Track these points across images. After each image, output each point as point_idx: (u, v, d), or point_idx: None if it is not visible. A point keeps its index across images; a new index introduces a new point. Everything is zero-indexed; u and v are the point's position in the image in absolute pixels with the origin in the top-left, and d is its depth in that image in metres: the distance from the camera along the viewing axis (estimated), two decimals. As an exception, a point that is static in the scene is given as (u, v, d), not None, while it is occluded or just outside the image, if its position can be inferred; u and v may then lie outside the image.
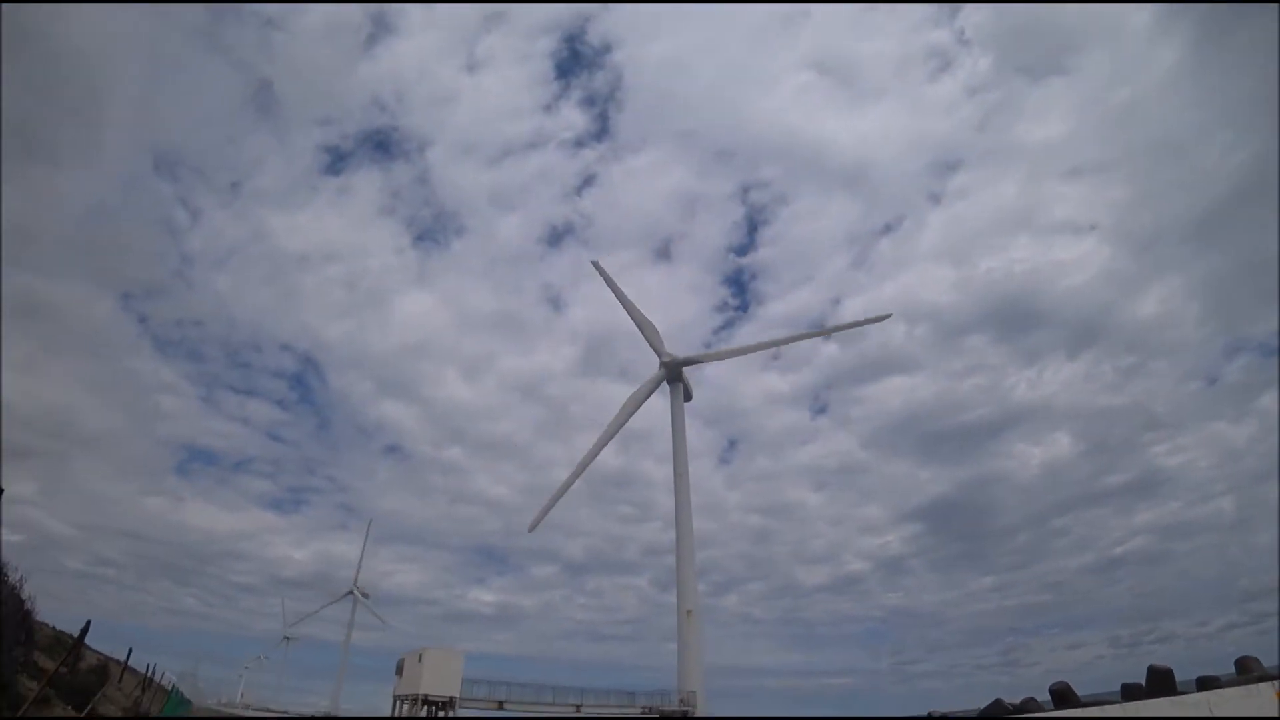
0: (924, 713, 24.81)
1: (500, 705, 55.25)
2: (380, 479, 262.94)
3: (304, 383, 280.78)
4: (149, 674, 27.44)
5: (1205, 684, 17.63)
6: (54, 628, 19.94)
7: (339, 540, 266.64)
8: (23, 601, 15.90)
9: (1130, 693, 20.56)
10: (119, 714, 21.95)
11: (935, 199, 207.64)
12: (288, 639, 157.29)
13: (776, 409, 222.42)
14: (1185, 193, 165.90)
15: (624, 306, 71.59)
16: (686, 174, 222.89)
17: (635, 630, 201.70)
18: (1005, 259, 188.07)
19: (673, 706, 56.71)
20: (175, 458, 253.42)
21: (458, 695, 53.94)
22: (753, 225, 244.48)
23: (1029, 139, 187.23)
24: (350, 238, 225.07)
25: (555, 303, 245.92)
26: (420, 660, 54.37)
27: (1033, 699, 28.12)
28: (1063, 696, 22.48)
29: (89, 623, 14.87)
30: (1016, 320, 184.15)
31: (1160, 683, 20.11)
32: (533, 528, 66.30)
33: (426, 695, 53.21)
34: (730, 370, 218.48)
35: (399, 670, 59.22)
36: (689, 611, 57.28)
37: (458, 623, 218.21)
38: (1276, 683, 9.71)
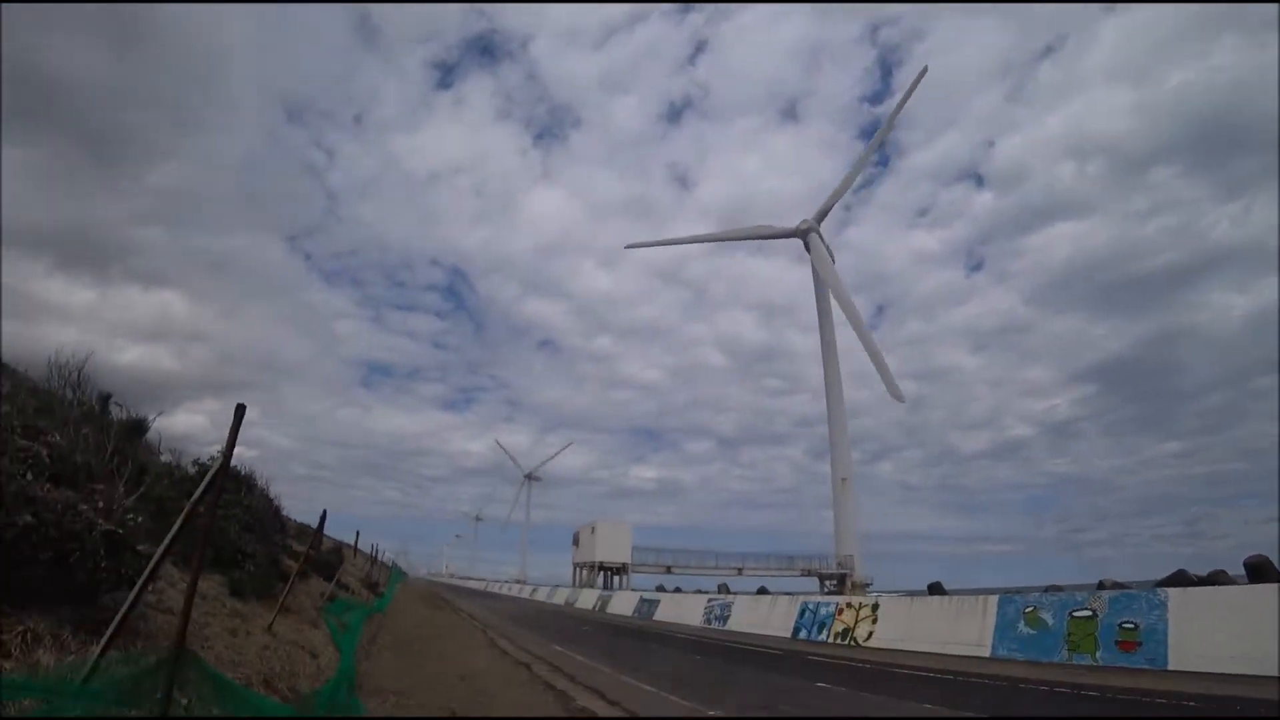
0: (1094, 581, 23.15)
1: (668, 569, 58.59)
2: (537, 372, 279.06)
3: (456, 292, 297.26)
4: (374, 552, 31.03)
5: None
6: (296, 521, 22.44)
7: (508, 431, 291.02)
8: (272, 500, 17.75)
9: None
10: (356, 582, 24.83)
11: (1108, 5, 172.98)
12: (478, 519, 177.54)
13: (927, 269, 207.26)
14: None
15: (720, 240, 69.26)
16: (805, 22, 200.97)
17: (791, 499, 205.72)
18: (1203, 68, 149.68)
19: (830, 569, 57.81)
20: (358, 374, 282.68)
21: (629, 561, 57.81)
22: (886, 69, 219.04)
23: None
24: (472, 147, 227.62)
25: (683, 181, 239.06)
26: (593, 533, 58.37)
27: (1223, 571, 25.46)
28: (1260, 571, 19.85)
29: (325, 512, 16.54)
30: (1217, 145, 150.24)
31: None
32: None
33: (601, 562, 57.44)
34: (875, 232, 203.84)
35: (575, 542, 64.11)
36: (843, 479, 57.07)
37: (622, 499, 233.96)
38: None
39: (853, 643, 17.93)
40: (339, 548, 28.10)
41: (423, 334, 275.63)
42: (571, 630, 23.94)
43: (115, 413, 12.42)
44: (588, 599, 42.87)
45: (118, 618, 3.69)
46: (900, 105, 63.54)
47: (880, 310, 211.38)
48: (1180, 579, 19.70)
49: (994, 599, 15.27)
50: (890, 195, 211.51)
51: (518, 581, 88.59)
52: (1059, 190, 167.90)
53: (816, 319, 62.25)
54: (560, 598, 49.40)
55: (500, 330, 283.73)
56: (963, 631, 15.22)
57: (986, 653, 14.23)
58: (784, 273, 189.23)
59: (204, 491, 3.99)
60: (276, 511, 18.68)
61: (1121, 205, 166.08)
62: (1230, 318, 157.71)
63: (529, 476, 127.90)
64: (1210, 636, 11.00)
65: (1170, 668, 11.04)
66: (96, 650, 3.58)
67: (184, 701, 4.06)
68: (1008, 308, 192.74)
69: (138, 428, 12.80)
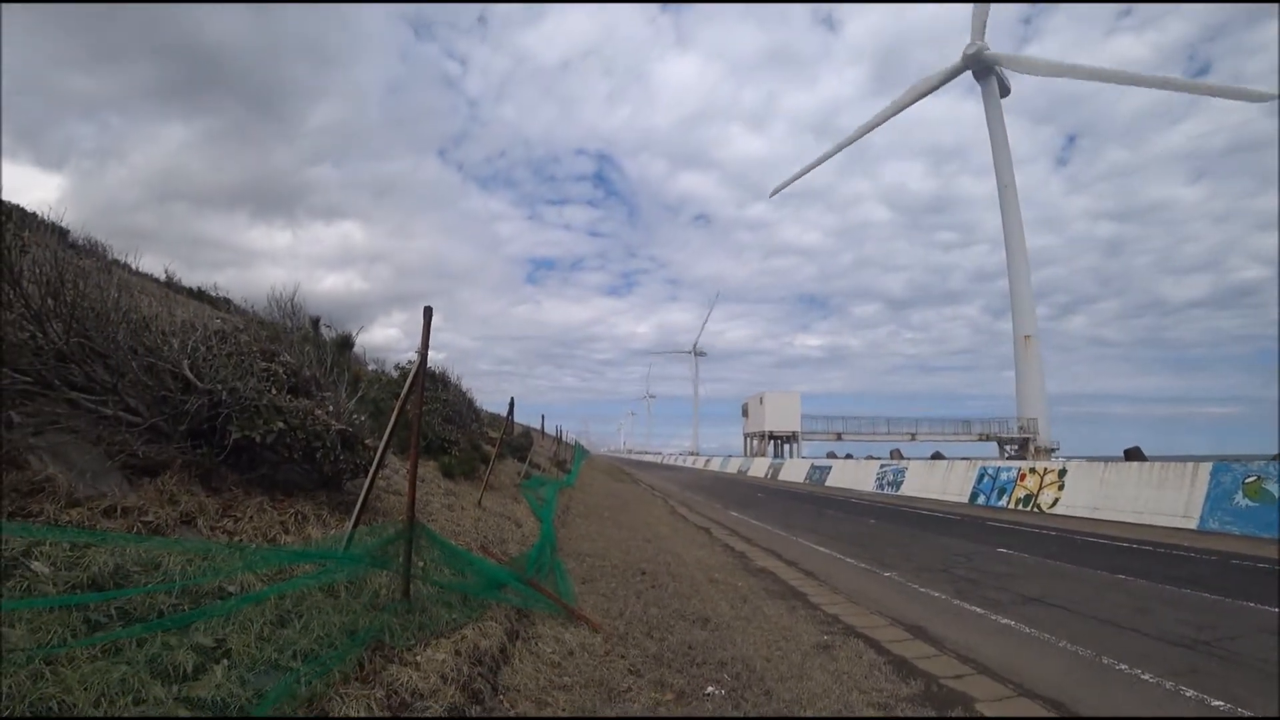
0: None
1: (838, 437, 58.69)
2: (694, 248, 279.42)
3: (605, 179, 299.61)
4: (559, 434, 33.88)
5: None
6: (488, 411, 24.87)
7: (672, 310, 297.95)
8: (465, 394, 19.77)
9: None
10: (546, 461, 27.36)
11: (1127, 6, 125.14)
12: (651, 396, 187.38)
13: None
14: None
15: (869, 131, 61.26)
16: None
17: (969, 360, 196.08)
18: None
19: (1011, 434, 54.89)
20: (523, 271, 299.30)
21: (799, 430, 58.49)
22: None
23: None
24: (599, 26, 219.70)
25: (828, 22, 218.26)
26: (761, 403, 59.33)
27: None
28: None
29: (512, 399, 18.14)
30: None
31: None
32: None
33: (771, 431, 58.61)
34: (1064, 44, 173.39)
35: (744, 413, 65.60)
36: (1026, 337, 52.75)
37: (789, 368, 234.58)
38: None
39: (1036, 509, 17.28)
40: (528, 432, 30.94)
41: (578, 224, 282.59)
42: (746, 497, 25.02)
43: (326, 332, 14.24)
44: (759, 468, 44.26)
45: (360, 500, 4.48)
46: None
47: (1071, 140, 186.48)
48: None
49: (1206, 466, 13.88)
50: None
51: (691, 454, 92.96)
52: None
53: (992, 159, 55.97)
54: (733, 467, 51.38)
55: (653, 210, 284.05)
56: (1166, 501, 14.11)
57: (1194, 525, 13.16)
58: (953, 108, 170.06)
59: (409, 390, 4.59)
60: (470, 404, 20.85)
61: None
62: None
63: (695, 351, 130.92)
64: None
65: None
66: (350, 526, 4.39)
67: (420, 563, 4.88)
68: (1241, 120, 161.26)
69: (346, 342, 14.61)
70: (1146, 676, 4.92)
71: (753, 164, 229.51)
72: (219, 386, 4.93)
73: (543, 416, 38.23)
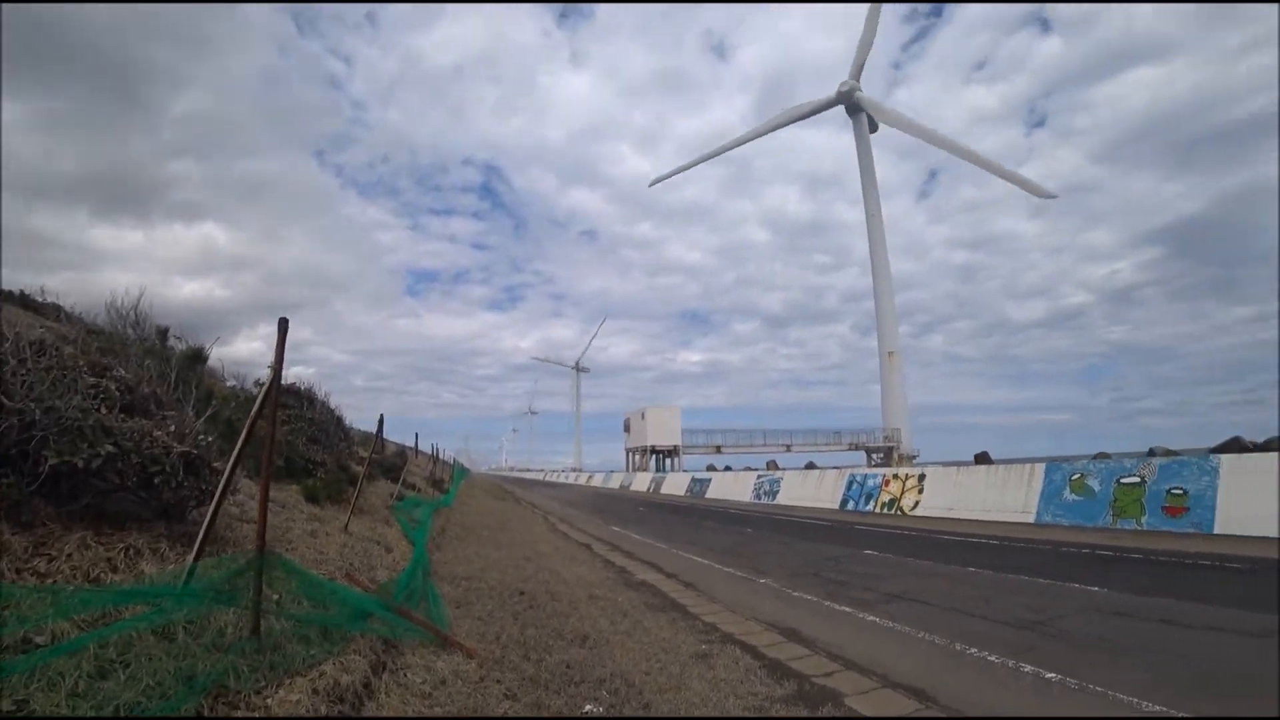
0: (1145, 449, 23.09)
1: (718, 449, 60.37)
2: (581, 264, 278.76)
3: (492, 191, 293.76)
4: (434, 452, 32.63)
5: None
6: (360, 430, 23.62)
7: (556, 325, 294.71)
8: (334, 411, 18.65)
9: None
10: (422, 481, 26.34)
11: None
12: (532, 412, 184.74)
13: (984, 128, 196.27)
14: None
15: (750, 140, 65.04)
16: None
17: (840, 375, 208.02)
18: None
19: (878, 443, 58.65)
20: (404, 283, 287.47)
21: (680, 444, 59.63)
22: None
23: None
24: (493, 35, 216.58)
25: (719, 50, 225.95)
26: (643, 418, 60.00)
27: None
28: None
29: (381, 416, 17.38)
30: None
31: None
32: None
33: (653, 446, 59.35)
34: (928, 91, 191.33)
35: (626, 428, 66.07)
36: (891, 353, 56.81)
37: (671, 383, 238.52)
38: None
39: (899, 512, 18.47)
40: (403, 451, 29.63)
41: (463, 236, 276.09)
42: (627, 512, 25.13)
43: (176, 344, 13.00)
44: (641, 482, 44.66)
45: (204, 527, 4.06)
46: None
47: (932, 175, 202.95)
48: (1235, 445, 19.56)
49: (1040, 466, 15.43)
50: (945, 48, 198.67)
51: (574, 470, 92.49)
52: (1137, 31, 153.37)
53: (862, 189, 59.98)
54: (615, 483, 51.55)
55: (540, 224, 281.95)
56: (1008, 499, 15.51)
57: (1032, 519, 14.54)
58: (830, 140, 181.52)
59: (261, 405, 4.24)
60: (339, 422, 19.70)
61: (1210, 44, 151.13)
62: None
63: (578, 367, 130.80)
64: (1260, 502, 11.03)
65: (1216, 532, 11.18)
66: (190, 558, 3.97)
67: (274, 597, 4.50)
68: (1072, 167, 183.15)
69: (198, 356, 13.40)
70: (992, 657, 5.37)
71: (641, 183, 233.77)
72: (32, 405, 4.35)
73: (416, 434, 36.85)
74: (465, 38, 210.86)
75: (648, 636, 6.06)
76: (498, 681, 4.55)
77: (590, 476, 64.80)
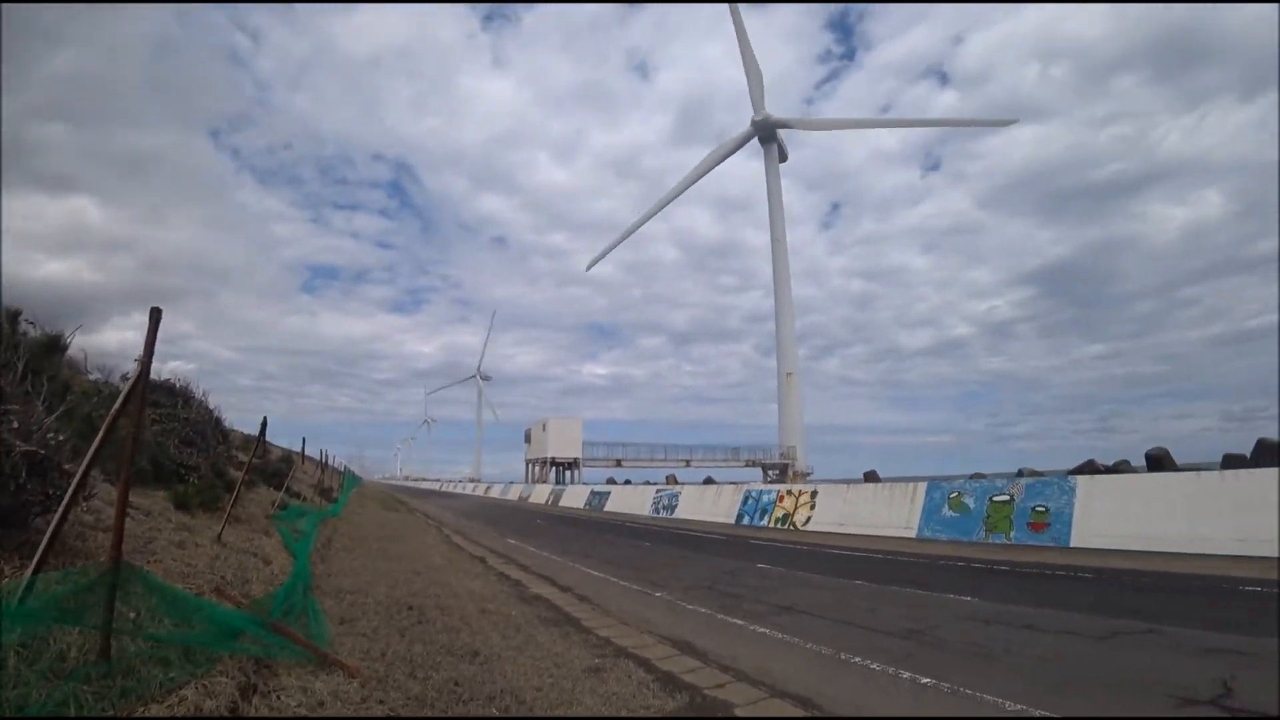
0: (1015, 469, 25.22)
1: (618, 463, 60.40)
2: (490, 270, 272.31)
3: (401, 189, 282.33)
4: (323, 458, 30.96)
5: None
6: (243, 433, 22.10)
7: (461, 331, 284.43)
8: (212, 411, 17.37)
9: (1231, 462, 19.73)
10: (309, 489, 24.96)
11: None
12: (430, 420, 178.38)
13: (884, 167, 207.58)
14: None
15: (741, 48, 65.22)
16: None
17: (740, 393, 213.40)
18: None
19: (774, 460, 60.49)
20: (300, 278, 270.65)
21: (580, 456, 59.34)
22: None
23: None
24: (416, 30, 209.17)
25: (642, 69, 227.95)
26: (544, 429, 59.38)
27: (1126, 462, 27.91)
28: (1158, 461, 21.92)
29: (265, 418, 16.27)
30: (1181, 55, 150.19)
31: (1266, 454, 18.98)
32: (590, 267, 67.19)
33: (554, 458, 58.78)
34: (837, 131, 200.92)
35: (527, 439, 65.16)
36: (789, 374, 58.89)
37: (575, 395, 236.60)
38: None
39: (792, 527, 19.07)
40: (289, 456, 27.98)
41: (368, 234, 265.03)
42: (525, 524, 24.73)
43: (27, 330, 11.74)
44: (541, 494, 44.12)
45: (47, 535, 3.65)
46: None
47: (835, 208, 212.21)
48: (1089, 468, 21.38)
49: (922, 485, 16.35)
50: (855, 90, 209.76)
51: (472, 480, 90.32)
52: (1022, 94, 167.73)
53: (769, 215, 62.00)
54: (514, 494, 50.69)
55: (450, 227, 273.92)
56: (893, 515, 16.33)
57: (914, 534, 15.36)
58: (741, 167, 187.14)
59: (125, 401, 3.88)
60: (218, 423, 18.35)
61: (1082, 111, 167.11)
62: (1167, 229, 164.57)
63: (480, 376, 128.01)
64: (1109, 518, 12.13)
65: (1072, 545, 12.18)
66: (28, 572, 3.56)
67: (130, 614, 4.11)
68: (960, 210, 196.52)
69: (54, 344, 12.17)
70: (874, 665, 5.61)
71: (555, 193, 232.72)
72: None
73: (304, 439, 34.98)
74: (385, 29, 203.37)
75: (540, 651, 5.94)
76: (380, 702, 4.33)
77: (489, 487, 63.44)
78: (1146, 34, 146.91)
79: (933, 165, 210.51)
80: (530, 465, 64.00)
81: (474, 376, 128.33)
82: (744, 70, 61.51)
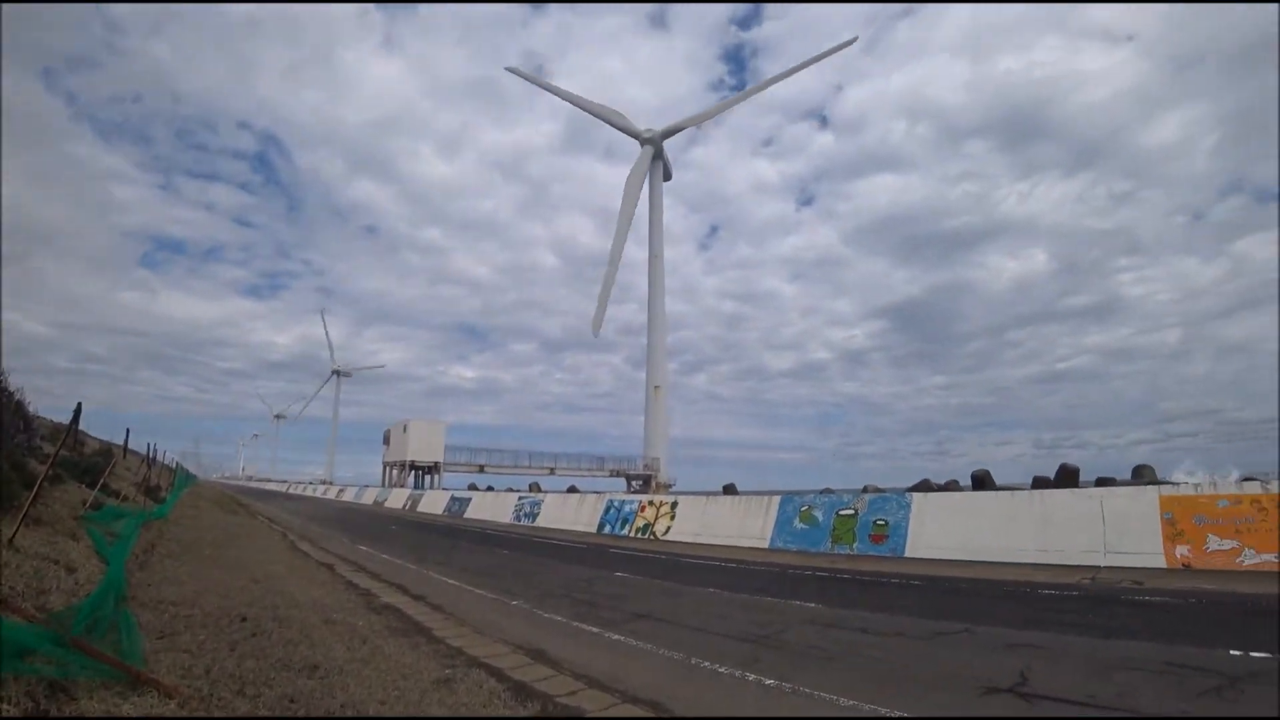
0: (861, 486, 27.54)
1: (481, 468, 59.02)
2: (358, 261, 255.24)
3: (268, 163, 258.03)
4: (150, 453, 27.96)
5: (1103, 483, 19.37)
6: (53, 421, 19.59)
7: (320, 323, 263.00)
8: (13, 393, 15.30)
9: (1039, 483, 22.74)
10: (131, 488, 22.51)
11: None
12: (279, 417, 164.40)
13: (763, 197, 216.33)
14: (1247, 6, 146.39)
15: (571, 102, 65.88)
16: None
17: (609, 403, 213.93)
18: (1027, 61, 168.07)
19: (638, 470, 61.43)
20: (140, 249, 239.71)
21: (441, 460, 57.43)
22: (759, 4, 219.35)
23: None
24: None
25: (538, 72, 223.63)
26: (405, 431, 56.95)
27: (955, 481, 31.11)
28: (981, 481, 24.80)
29: (79, 405, 14.53)
30: (1022, 130, 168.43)
31: (1066, 478, 22.20)
32: (597, 329, 62.58)
33: (413, 461, 56.52)
34: (720, 154, 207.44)
35: (386, 440, 62.20)
36: (657, 387, 60.11)
37: (441, 397, 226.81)
38: (1161, 487, 10.99)
39: (652, 537, 19.44)
40: (109, 449, 25.06)
41: (225, 208, 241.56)
42: (378, 530, 23.64)
43: None
44: (398, 499, 42.31)
45: None
46: (799, 68, 63.96)
47: (713, 230, 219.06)
48: (924, 486, 23.41)
49: (776, 499, 17.21)
50: (741, 121, 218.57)
51: (324, 482, 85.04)
52: (891, 144, 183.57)
53: (649, 232, 63.05)
54: (369, 498, 48.30)
55: (319, 211, 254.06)
56: (749, 526, 17.05)
57: (767, 544, 16.11)
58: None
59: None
60: (19, 408, 16.19)
61: (938, 167, 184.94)
62: (1000, 279, 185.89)
63: (337, 372, 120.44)
64: (939, 531, 13.33)
65: (907, 555, 13.24)
66: None
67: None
68: (828, 244, 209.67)
69: None
70: (723, 670, 5.85)
71: (436, 187, 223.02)
72: None
73: (128, 430, 31.43)
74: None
75: (387, 663, 5.70)
76: (201, 722, 3.98)
77: (341, 490, 60.03)
78: (996, 108, 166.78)
79: (806, 200, 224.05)
80: (388, 468, 61.14)
81: (333, 372, 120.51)
82: (595, 116, 62.92)
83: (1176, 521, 10.63)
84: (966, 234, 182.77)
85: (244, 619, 6.93)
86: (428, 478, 57.97)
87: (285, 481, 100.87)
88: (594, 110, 64.75)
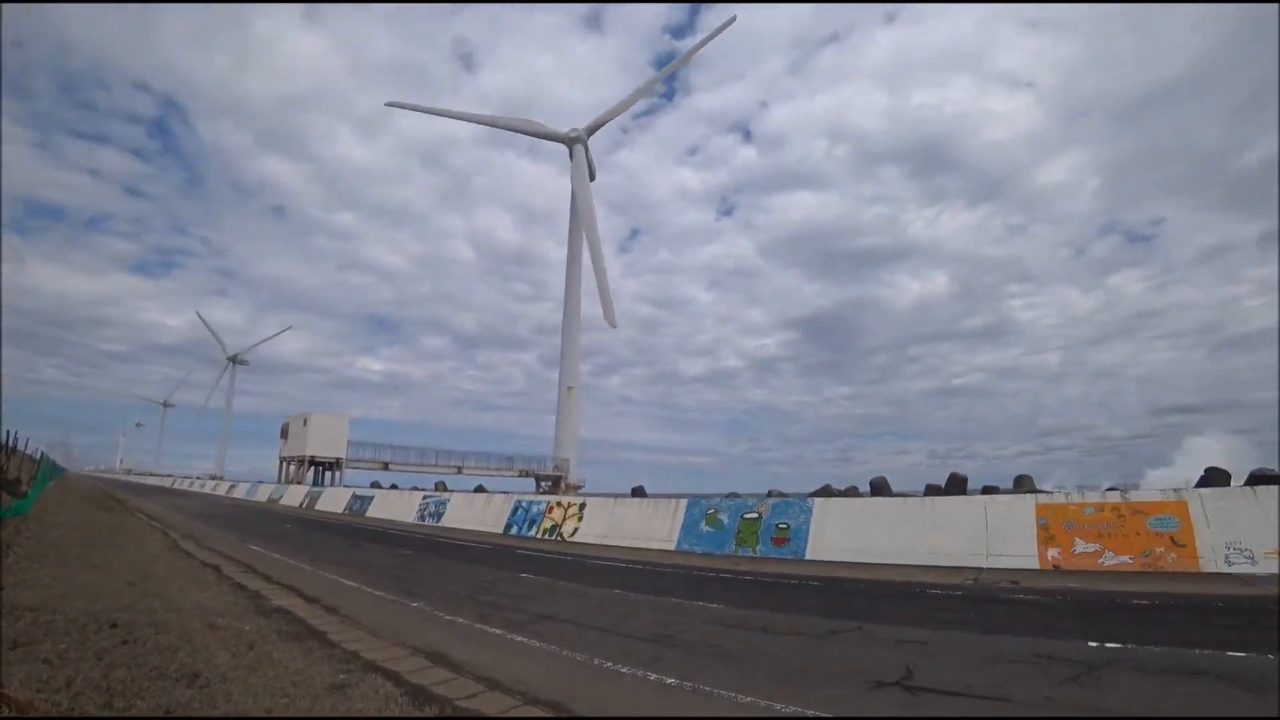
0: (766, 490, 28.60)
1: (386, 466, 57.07)
2: (263, 242, 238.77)
3: (167, 130, 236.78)
4: (7, 442, 25.40)
5: (988, 491, 21.16)
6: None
7: (220, 305, 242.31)
8: None
9: (931, 491, 24.38)
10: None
11: (890, 18, 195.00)
12: (166, 405, 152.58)
13: (685, 205, 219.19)
14: (1134, 68, 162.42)
15: (477, 123, 65.14)
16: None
17: (521, 402, 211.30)
18: (940, 97, 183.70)
19: (547, 471, 61.00)
20: (9, 212, 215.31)
21: (344, 456, 55.15)
22: (695, 7, 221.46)
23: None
24: None
25: (467, 61, 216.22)
26: (306, 424, 54.31)
27: (855, 487, 32.76)
28: (879, 488, 26.23)
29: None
30: (932, 161, 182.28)
31: (955, 486, 24.05)
32: (613, 320, 59.70)
33: (313, 457, 53.98)
34: (646, 160, 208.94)
35: (284, 434, 59.07)
36: (570, 387, 59.83)
37: (346, 390, 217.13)
38: (1037, 495, 12.24)
39: (560, 538, 19.33)
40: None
41: (113, 173, 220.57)
42: (272, 528, 22.51)
43: None
44: (295, 496, 40.35)
45: None
46: (698, 46, 65.04)
47: (634, 234, 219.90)
48: (825, 491, 24.31)
49: (683, 502, 17.50)
50: (669, 129, 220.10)
51: (213, 478, 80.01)
52: (810, 163, 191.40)
53: (569, 231, 62.69)
54: (263, 495, 45.82)
55: (222, 186, 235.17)
56: (656, 529, 17.23)
57: (673, 547, 16.33)
58: (550, 180, 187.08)
59: None
60: None
61: (854, 189, 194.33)
62: (904, 298, 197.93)
63: (234, 359, 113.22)
64: (838, 534, 13.90)
65: (807, 558, 13.71)
66: None
67: None
68: (745, 254, 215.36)
69: None
70: (624, 669, 5.89)
71: (352, 170, 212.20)
72: None
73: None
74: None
75: (276, 669, 5.43)
76: (60, 737, 3.68)
77: (233, 486, 56.69)
78: (910, 138, 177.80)
79: (727, 211, 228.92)
80: (285, 464, 58.10)
81: (228, 360, 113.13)
82: (515, 130, 62.64)
83: (1049, 526, 11.51)
84: (876, 253, 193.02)
85: (114, 625, 6.44)
86: (328, 474, 55.53)
87: (170, 476, 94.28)
88: (505, 125, 64.67)
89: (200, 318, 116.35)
